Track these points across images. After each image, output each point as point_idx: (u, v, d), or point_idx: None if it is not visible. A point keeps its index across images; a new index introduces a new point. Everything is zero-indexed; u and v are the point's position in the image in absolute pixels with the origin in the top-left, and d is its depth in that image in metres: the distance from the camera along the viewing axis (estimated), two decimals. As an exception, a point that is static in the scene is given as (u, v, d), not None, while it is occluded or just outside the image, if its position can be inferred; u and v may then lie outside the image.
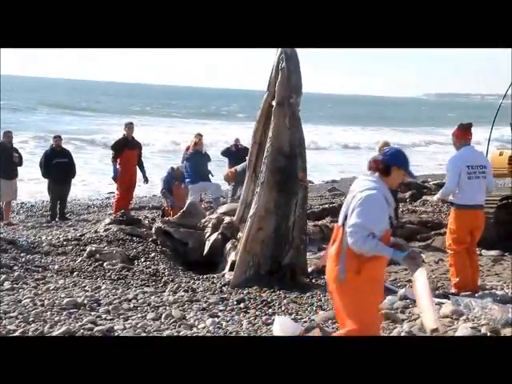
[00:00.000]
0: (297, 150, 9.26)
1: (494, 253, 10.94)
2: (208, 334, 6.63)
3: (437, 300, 8.11)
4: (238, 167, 14.11)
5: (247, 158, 10.00)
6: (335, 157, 37.62)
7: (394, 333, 6.79)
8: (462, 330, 6.71)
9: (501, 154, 12.53)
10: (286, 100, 9.19)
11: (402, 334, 6.71)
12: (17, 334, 6.53)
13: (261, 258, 9.10)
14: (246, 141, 15.67)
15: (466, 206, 8.50)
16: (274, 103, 9.29)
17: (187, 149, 16.51)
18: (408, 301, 8.07)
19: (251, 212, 9.20)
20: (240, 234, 9.76)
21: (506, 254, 10.88)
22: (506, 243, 11.19)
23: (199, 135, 15.71)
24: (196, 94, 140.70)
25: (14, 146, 15.99)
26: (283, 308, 7.86)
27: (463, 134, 8.69)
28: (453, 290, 8.48)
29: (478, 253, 11.06)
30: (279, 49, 9.26)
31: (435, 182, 20.71)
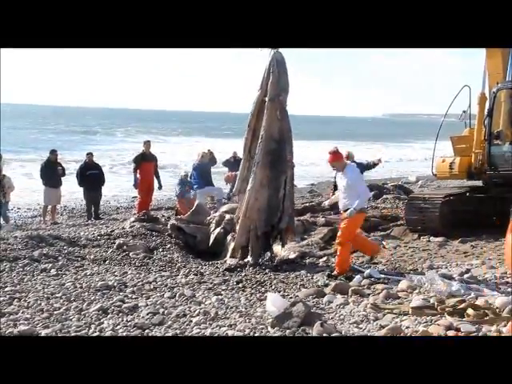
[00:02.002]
0: (285, 136, 9.37)
1: (439, 239, 10.94)
2: (213, 309, 6.61)
3: (395, 277, 8.14)
4: (237, 173, 14.16)
5: (243, 141, 9.97)
6: (311, 167, 37.30)
7: (362, 305, 6.78)
8: (416, 300, 6.72)
9: (443, 161, 12.54)
10: (277, 97, 9.28)
11: (368, 306, 6.71)
12: (61, 310, 6.51)
13: (257, 222, 9.29)
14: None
15: (364, 208, 8.86)
16: (266, 99, 9.33)
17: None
18: (372, 279, 8.08)
19: (249, 186, 9.34)
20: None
21: (449, 240, 10.89)
22: (448, 231, 11.20)
23: (209, 151, 15.94)
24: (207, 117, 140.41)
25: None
26: (273, 287, 7.86)
27: (338, 157, 8.70)
28: (336, 272, 8.40)
29: (427, 239, 11.13)
30: (271, 54, 9.28)
31: (394, 183, 20.76)
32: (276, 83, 9.24)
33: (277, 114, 9.26)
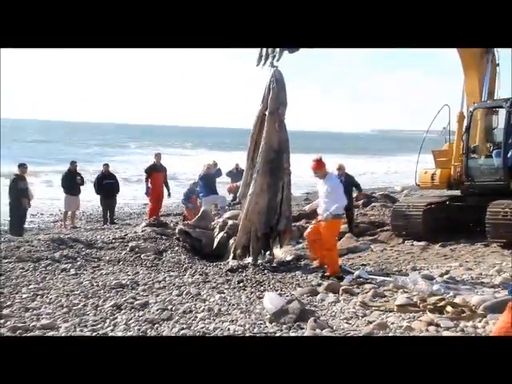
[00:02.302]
0: (283, 146, 9.34)
1: (421, 243, 10.94)
2: (216, 306, 6.61)
3: (381, 278, 8.13)
4: (239, 183, 14.19)
5: (246, 152, 9.95)
6: (305, 177, 37.04)
7: (352, 303, 6.78)
8: (400, 299, 6.72)
9: (426, 173, 12.56)
10: (276, 111, 9.28)
11: (357, 304, 6.70)
12: (79, 306, 6.51)
13: (258, 224, 9.30)
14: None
15: (340, 215, 8.76)
16: (267, 113, 9.33)
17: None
18: (361, 279, 8.08)
19: (250, 191, 9.36)
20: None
21: (430, 244, 10.89)
22: (430, 236, 11.21)
23: (214, 162, 16.06)
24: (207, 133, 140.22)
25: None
26: (271, 286, 7.83)
27: (321, 165, 8.62)
28: (328, 274, 8.38)
29: (411, 243, 11.12)
30: (271, 71, 9.29)
31: (381, 192, 20.75)
32: (275, 98, 9.26)
33: (275, 126, 9.27)
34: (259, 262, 9.24)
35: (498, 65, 12.51)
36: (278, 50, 9.06)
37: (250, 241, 9.33)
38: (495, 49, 12.38)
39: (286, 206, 9.38)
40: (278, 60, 9.21)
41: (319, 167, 8.64)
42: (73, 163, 15.89)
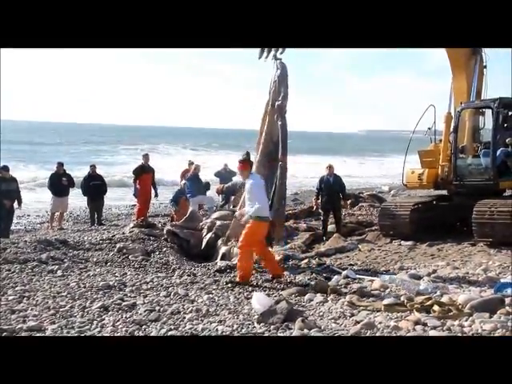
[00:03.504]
0: (282, 138, 9.24)
1: (409, 243, 11.00)
2: (204, 307, 6.61)
3: (369, 277, 8.17)
4: (226, 185, 14.20)
5: (256, 145, 9.84)
6: (292, 178, 37.00)
7: (339, 303, 6.80)
8: (388, 298, 6.75)
9: (413, 173, 12.64)
10: (276, 103, 9.27)
11: (345, 303, 6.72)
12: (66, 308, 6.47)
13: None
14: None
15: (264, 217, 8.18)
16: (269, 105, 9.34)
17: (184, 172, 16.83)
18: (349, 279, 8.11)
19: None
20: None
21: (418, 243, 10.96)
22: (417, 236, 11.27)
23: (197, 164, 15.93)
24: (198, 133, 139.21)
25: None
26: (260, 286, 7.85)
27: (245, 166, 8.33)
28: (238, 280, 7.98)
29: (398, 243, 11.18)
30: (275, 63, 9.28)
31: (368, 192, 20.83)
32: (276, 90, 9.27)
33: (275, 118, 9.26)
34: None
35: (486, 66, 12.65)
36: None
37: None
38: (483, 50, 12.53)
39: (276, 198, 9.26)
40: (281, 52, 9.19)
41: (244, 168, 8.34)
42: (59, 164, 15.82)
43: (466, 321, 5.79)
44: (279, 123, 9.15)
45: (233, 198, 12.43)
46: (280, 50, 9.14)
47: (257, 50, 9.47)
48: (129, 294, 7.18)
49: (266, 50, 9.29)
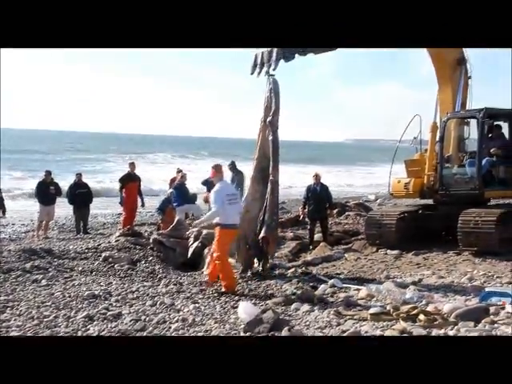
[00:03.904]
0: (273, 153, 9.23)
1: (395, 252, 11.03)
2: (190, 316, 6.58)
3: (355, 287, 8.18)
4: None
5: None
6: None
7: (326, 312, 6.80)
8: (374, 307, 6.77)
9: (399, 182, 12.69)
10: (268, 118, 9.25)
11: (332, 313, 6.72)
12: (51, 318, 6.42)
13: (247, 232, 9.27)
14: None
15: (229, 225, 8.28)
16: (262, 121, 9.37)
17: (172, 180, 16.73)
18: (335, 288, 8.12)
19: (243, 199, 9.39)
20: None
21: (403, 252, 10.99)
22: (403, 245, 11.31)
23: (183, 173, 15.84)
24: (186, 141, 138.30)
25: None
26: (246, 296, 7.84)
27: (218, 172, 8.64)
28: (223, 290, 8.02)
29: (384, 252, 11.21)
30: (268, 80, 9.24)
31: (355, 201, 20.87)
32: (268, 106, 9.29)
33: (266, 134, 9.28)
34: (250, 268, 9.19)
35: (470, 77, 12.83)
36: (273, 58, 9.00)
37: (239, 249, 9.28)
38: (468, 61, 12.72)
39: (268, 213, 9.27)
40: (274, 69, 9.14)
41: (212, 175, 8.73)
42: (47, 173, 15.72)
43: (452, 330, 5.82)
44: (270, 138, 9.17)
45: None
46: (272, 65, 9.11)
47: (253, 58, 9.42)
48: (114, 304, 7.15)
49: (258, 65, 9.30)
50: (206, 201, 16.76)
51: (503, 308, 6.49)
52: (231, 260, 9.23)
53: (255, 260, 9.44)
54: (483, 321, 5.99)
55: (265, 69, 9.24)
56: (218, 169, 8.72)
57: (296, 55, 8.99)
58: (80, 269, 9.31)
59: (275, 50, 8.94)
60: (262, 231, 9.21)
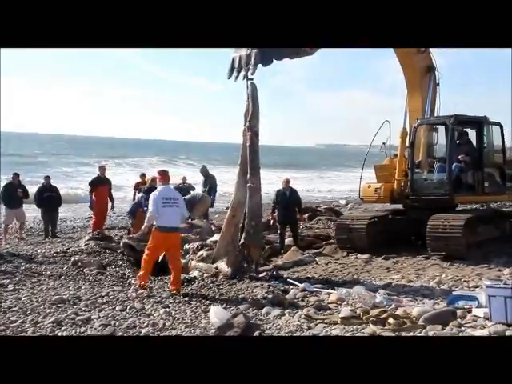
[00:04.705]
0: (250, 159, 9.23)
1: (365, 256, 11.13)
2: (161, 321, 6.53)
3: (326, 291, 8.24)
4: (186, 197, 14.08)
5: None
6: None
7: (296, 316, 6.82)
8: (344, 311, 6.82)
9: (369, 187, 12.81)
10: (247, 124, 9.25)
11: (302, 316, 6.75)
12: (17, 323, 6.30)
13: (233, 237, 9.32)
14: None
15: (162, 227, 8.39)
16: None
17: (137, 184, 16.65)
18: (306, 292, 8.16)
19: (229, 204, 9.41)
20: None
21: (374, 257, 11.11)
22: (373, 249, 11.43)
23: (154, 177, 15.72)
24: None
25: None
26: (217, 300, 7.82)
27: (163, 178, 8.78)
28: (137, 286, 8.36)
29: (355, 256, 11.32)
30: (248, 85, 9.22)
31: (326, 206, 21.01)
32: (247, 112, 9.27)
33: (246, 140, 9.26)
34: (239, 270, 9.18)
35: (439, 84, 13.12)
36: (252, 62, 8.94)
37: (228, 253, 9.31)
38: (436, 68, 12.98)
39: (247, 220, 9.25)
40: (252, 73, 9.06)
41: (160, 180, 8.85)
42: (14, 175, 15.41)
43: (420, 333, 5.90)
44: (247, 144, 9.18)
45: (192, 210, 12.37)
46: (250, 70, 9.04)
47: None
48: (83, 309, 7.05)
49: (235, 69, 9.25)
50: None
51: (470, 311, 6.63)
52: (221, 264, 9.26)
53: (244, 264, 9.41)
54: (451, 324, 6.10)
55: (242, 73, 9.22)
56: (163, 174, 8.85)
57: (274, 60, 9.01)
58: (48, 273, 9.17)
59: (253, 54, 8.89)
60: (242, 238, 9.23)
